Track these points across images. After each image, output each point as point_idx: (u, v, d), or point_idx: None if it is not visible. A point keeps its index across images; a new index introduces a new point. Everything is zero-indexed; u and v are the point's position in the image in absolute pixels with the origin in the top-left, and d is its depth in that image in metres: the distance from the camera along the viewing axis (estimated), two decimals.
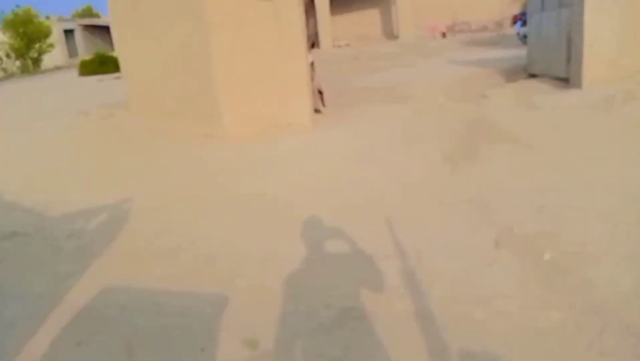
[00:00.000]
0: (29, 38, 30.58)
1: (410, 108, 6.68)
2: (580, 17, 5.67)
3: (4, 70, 30.38)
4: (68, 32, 34.33)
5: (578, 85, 5.89)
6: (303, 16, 6.21)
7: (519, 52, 9.57)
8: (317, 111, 6.85)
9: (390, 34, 24.46)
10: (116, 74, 17.79)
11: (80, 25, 35.70)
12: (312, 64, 6.90)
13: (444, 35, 21.06)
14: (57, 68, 31.09)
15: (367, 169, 4.78)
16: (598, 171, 4.05)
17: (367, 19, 26.12)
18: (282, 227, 3.81)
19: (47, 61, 31.82)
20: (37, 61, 31.55)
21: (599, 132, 4.84)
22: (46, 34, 31.26)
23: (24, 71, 30.76)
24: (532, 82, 6.99)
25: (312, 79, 6.96)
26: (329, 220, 3.81)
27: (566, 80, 6.31)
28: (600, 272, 2.75)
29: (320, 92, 7.17)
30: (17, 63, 31.12)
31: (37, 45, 31.14)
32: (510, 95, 6.49)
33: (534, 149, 4.67)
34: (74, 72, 24.71)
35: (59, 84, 19.95)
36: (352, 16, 26.07)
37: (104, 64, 22.82)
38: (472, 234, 3.37)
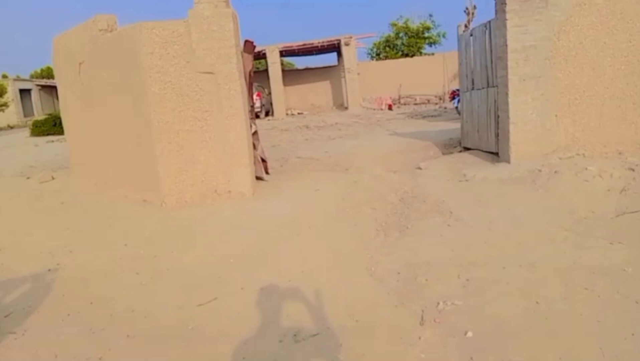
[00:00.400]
0: None
1: (349, 178, 6.78)
2: (505, 97, 6.08)
3: None
4: (24, 92, 33.70)
5: (506, 159, 6.19)
6: (244, 88, 6.34)
7: (457, 125, 10.07)
8: (259, 178, 6.85)
9: (340, 105, 25.36)
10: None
11: (38, 85, 35.19)
12: (255, 133, 6.98)
13: (390, 107, 22.00)
14: (10, 127, 30.22)
15: (302, 240, 4.74)
16: (521, 245, 4.18)
17: (319, 91, 27.12)
18: (205, 304, 3.66)
19: (1, 119, 30.97)
20: None
21: (524, 206, 5.04)
22: (0, 92, 30.64)
23: None
24: (465, 155, 7.31)
25: (255, 147, 7.02)
26: (254, 296, 3.70)
27: (496, 154, 6.64)
28: (521, 352, 2.74)
29: (263, 161, 7.20)
30: None
31: None
32: (443, 167, 6.73)
33: (462, 221, 4.80)
34: (27, 132, 24.03)
35: (7, 143, 19.26)
36: (306, 87, 27.03)
37: (57, 125, 22.32)
38: (397, 311, 3.34)
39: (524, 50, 5.91)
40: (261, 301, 3.62)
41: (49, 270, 4.59)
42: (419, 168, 6.85)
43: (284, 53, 23.16)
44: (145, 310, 3.70)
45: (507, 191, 5.46)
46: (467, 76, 7.63)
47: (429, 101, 24.24)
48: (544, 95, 6.02)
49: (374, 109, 22.18)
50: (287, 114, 22.98)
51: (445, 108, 19.37)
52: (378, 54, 30.40)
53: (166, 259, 4.64)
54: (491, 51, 6.53)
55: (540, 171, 5.71)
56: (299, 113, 23.71)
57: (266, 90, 23.42)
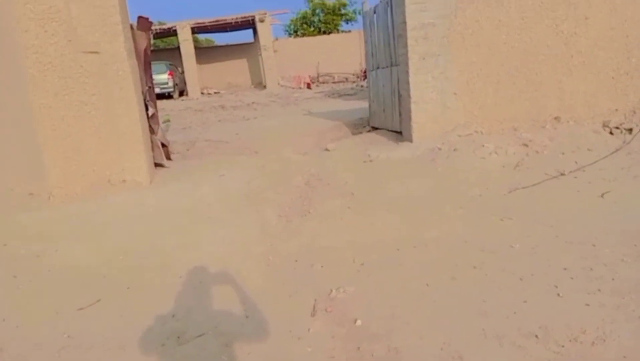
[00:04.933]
0: None
1: (256, 162, 6.58)
2: (406, 75, 6.10)
3: None
4: None
5: (409, 139, 6.25)
6: (136, 68, 5.89)
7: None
8: (159, 165, 6.46)
9: (259, 83, 24.89)
10: None
11: None
12: (153, 115, 6.55)
13: (308, 86, 21.88)
14: None
15: (199, 229, 4.50)
16: (417, 225, 4.20)
17: (237, 69, 26.45)
18: (87, 308, 3.35)
19: None
20: None
21: (423, 186, 5.10)
22: None
23: None
24: (372, 136, 7.32)
25: (154, 132, 6.60)
26: (140, 296, 3.44)
27: (401, 133, 6.69)
28: (407, 337, 2.72)
29: (164, 145, 6.80)
30: None
31: None
32: (350, 148, 6.70)
33: (362, 203, 4.77)
34: None
35: None
36: (222, 66, 26.24)
37: None
38: (290, 300, 3.23)
39: (422, 28, 5.93)
40: (146, 301, 3.37)
41: None
42: (327, 150, 6.77)
43: (196, 30, 22.22)
44: (18, 318, 3.33)
45: (408, 170, 5.50)
46: (372, 55, 7.60)
47: (347, 79, 24.37)
48: (443, 73, 6.10)
49: (293, 88, 21.97)
50: (202, 94, 22.23)
51: (362, 86, 19.54)
52: (295, 31, 30.05)
53: (49, 259, 4.24)
54: (393, 29, 6.50)
55: (440, 149, 5.81)
56: (215, 92, 22.99)
57: (179, 69, 22.42)
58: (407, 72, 6.07)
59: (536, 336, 2.63)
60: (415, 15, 5.88)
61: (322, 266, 3.62)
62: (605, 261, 3.37)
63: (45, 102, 5.40)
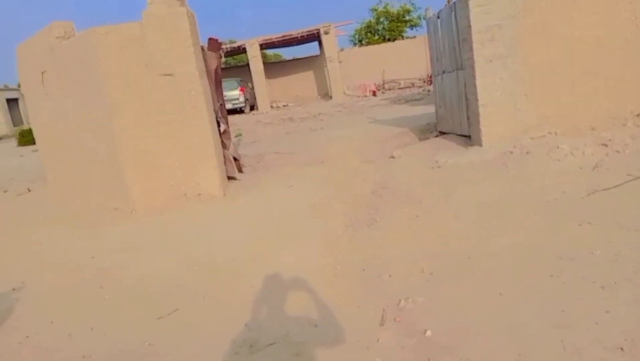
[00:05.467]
0: None
1: (323, 172, 6.67)
2: (473, 79, 5.95)
3: None
4: (12, 101, 33.13)
5: (478, 142, 6.08)
6: (207, 88, 6.19)
7: None
8: (232, 178, 6.72)
9: (325, 94, 25.16)
10: None
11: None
12: (224, 131, 6.84)
13: (374, 93, 21.83)
14: None
15: (270, 240, 4.63)
16: (488, 233, 4.08)
17: (303, 81, 26.94)
18: (166, 316, 3.56)
19: None
20: None
21: (494, 191, 4.94)
22: None
23: None
24: (439, 141, 7.19)
25: (227, 147, 6.88)
26: (214, 305, 3.60)
27: (470, 137, 6.53)
28: (479, 350, 2.65)
29: (235, 160, 7.07)
30: None
31: None
32: (416, 154, 6.62)
33: (430, 211, 4.70)
34: (15, 142, 23.72)
35: None
36: (289, 79, 26.84)
37: None
38: (358, 310, 3.24)
39: (488, 31, 5.77)
40: (221, 310, 3.51)
41: (13, 289, 4.48)
42: (393, 157, 6.73)
43: (264, 46, 22.89)
44: (104, 327, 3.59)
45: (477, 175, 5.35)
46: (437, 60, 7.48)
47: (413, 84, 24.07)
48: (513, 75, 5.89)
49: (358, 97, 22.00)
50: (271, 107, 22.79)
51: (428, 91, 19.21)
52: (360, 41, 30.14)
53: (132, 271, 4.53)
54: (458, 33, 6.38)
55: (511, 152, 5.60)
56: (284, 105, 23.51)
57: (250, 84, 23.18)
58: (473, 75, 5.92)
59: (621, 348, 2.47)
60: (479, 17, 5.74)
61: (390, 276, 3.61)
62: None
63: (125, 124, 5.80)
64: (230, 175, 6.66)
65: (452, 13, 6.46)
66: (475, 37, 5.80)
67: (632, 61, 5.84)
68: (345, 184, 5.94)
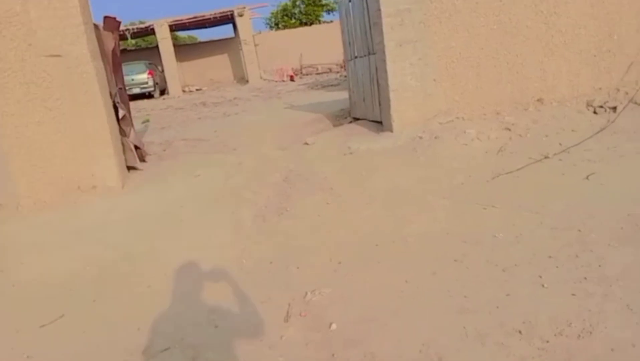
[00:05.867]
0: None
1: (234, 160, 6.37)
2: (383, 64, 5.90)
3: None
4: None
5: (390, 128, 6.08)
6: (101, 70, 5.65)
7: None
8: (133, 168, 6.24)
9: (242, 78, 24.57)
10: None
11: None
12: (124, 118, 6.32)
13: (292, 78, 21.61)
14: None
15: (172, 234, 4.31)
16: (397, 219, 4.04)
17: (219, 65, 26.12)
18: (49, 324, 3.17)
19: None
20: None
21: (405, 176, 4.93)
22: None
23: None
24: (353, 127, 7.14)
25: (126, 134, 6.37)
26: (105, 309, 3.26)
27: (381, 123, 6.52)
28: (384, 341, 2.56)
29: (137, 148, 6.58)
30: None
31: None
32: (330, 141, 6.51)
33: (342, 198, 4.60)
34: None
35: None
36: (204, 62, 25.89)
37: None
38: (263, 306, 3.05)
39: (398, 15, 5.73)
40: (112, 315, 3.18)
41: None
42: (307, 144, 6.57)
43: (174, 27, 21.81)
44: None
45: (389, 161, 5.33)
46: (349, 44, 7.40)
47: (330, 70, 24.10)
48: (422, 59, 5.91)
49: (276, 81, 21.70)
50: (184, 91, 21.90)
51: (345, 77, 19.30)
52: (277, 24, 29.68)
53: (14, 274, 4.04)
54: (369, 17, 6.30)
55: (421, 138, 5.64)
56: (197, 89, 22.68)
57: (160, 67, 22.05)
58: (384, 60, 5.88)
59: (520, 332, 2.48)
60: (389, 1, 5.68)
61: (297, 268, 3.46)
62: (592, 247, 3.23)
63: (7, 110, 5.17)
64: (130, 165, 6.17)
65: None
66: (386, 21, 5.74)
67: (532, 47, 6.07)
68: (257, 172, 5.70)
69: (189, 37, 36.32)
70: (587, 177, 4.41)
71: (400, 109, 5.97)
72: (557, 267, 3.06)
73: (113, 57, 6.61)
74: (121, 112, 6.25)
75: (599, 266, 3.01)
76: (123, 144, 6.16)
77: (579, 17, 6.10)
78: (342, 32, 7.58)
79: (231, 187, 5.28)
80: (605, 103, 6.02)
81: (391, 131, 6.05)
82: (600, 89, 6.25)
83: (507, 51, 6.04)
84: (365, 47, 6.70)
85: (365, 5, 6.35)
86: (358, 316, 2.80)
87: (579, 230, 3.48)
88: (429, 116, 6.00)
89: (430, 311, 2.75)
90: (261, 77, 21.99)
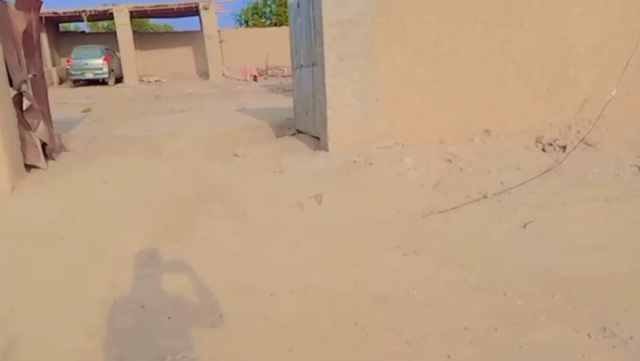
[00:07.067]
0: None
1: (153, 167, 5.72)
2: (323, 78, 5.39)
3: None
4: None
5: (325, 148, 5.57)
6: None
7: None
8: (34, 167, 5.51)
9: (204, 73, 23.69)
10: None
11: None
12: (29, 109, 5.59)
13: (255, 78, 20.93)
14: None
15: (41, 258, 3.64)
16: (304, 262, 3.50)
17: (182, 57, 25.16)
18: None
19: None
20: None
21: (328, 206, 4.41)
22: None
23: None
24: (293, 141, 6.61)
25: (32, 127, 5.64)
26: None
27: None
28: None
29: (45, 144, 5.85)
30: None
31: None
32: (262, 154, 5.95)
33: (251, 227, 4.05)
34: None
35: None
36: (167, 53, 24.89)
37: None
38: None
39: (341, 25, 5.21)
40: None
41: None
42: (236, 155, 5.98)
43: (135, 14, 20.80)
44: None
45: (316, 186, 4.79)
46: (296, 52, 6.86)
47: None
48: (365, 77, 5.42)
49: (238, 80, 20.97)
50: (142, 81, 20.90)
51: None
52: (246, 22, 28.93)
53: None
54: (314, 25, 5.77)
55: (355, 162, 5.14)
56: (156, 81, 21.70)
57: (118, 54, 20.99)
58: (323, 74, 5.36)
59: None
60: (332, 10, 5.16)
61: (169, 318, 2.86)
62: (515, 319, 2.77)
63: None
64: (32, 163, 5.45)
65: (311, 1, 5.83)
66: (327, 31, 5.22)
67: (484, 74, 5.68)
68: (170, 185, 5.07)
69: (165, 25, 35.00)
70: (524, 226, 3.99)
71: (337, 128, 5.46)
72: (471, 343, 2.58)
73: (27, 40, 5.87)
74: (26, 103, 5.52)
75: (520, 346, 2.54)
76: (25, 139, 5.44)
77: (535, 47, 5.74)
78: (290, 37, 7.04)
79: (135, 201, 4.63)
80: (555, 141, 5.67)
81: (327, 150, 5.53)
82: (551, 124, 5.90)
83: (457, 76, 5.62)
84: (310, 56, 6.17)
85: (311, 11, 5.83)
86: None
87: (505, 294, 3.02)
88: (367, 138, 5.50)
89: None
90: (224, 75, 21.22)
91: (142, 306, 3.00)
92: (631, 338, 2.56)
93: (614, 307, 2.83)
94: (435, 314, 2.83)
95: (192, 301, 3.00)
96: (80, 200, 4.69)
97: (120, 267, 3.44)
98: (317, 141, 6.20)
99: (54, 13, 19.67)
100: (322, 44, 5.29)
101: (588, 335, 2.60)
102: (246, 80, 20.95)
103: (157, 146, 6.99)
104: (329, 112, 5.37)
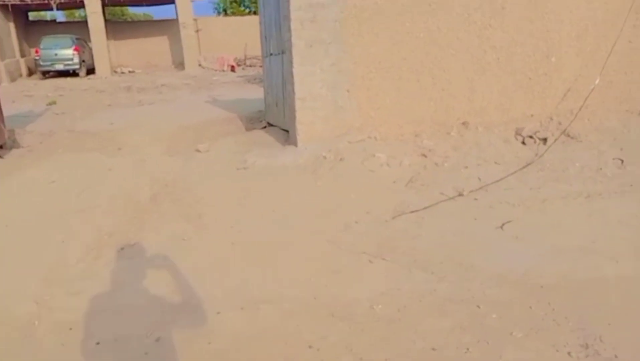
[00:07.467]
0: None
1: (108, 164, 5.33)
2: (291, 66, 5.01)
3: None
4: None
5: (294, 142, 5.21)
6: None
7: None
8: None
9: (180, 63, 23.02)
10: None
11: None
12: None
13: (233, 69, 20.37)
14: None
15: None
16: (260, 272, 3.15)
17: (157, 47, 24.40)
18: None
19: None
20: None
21: (294, 206, 4.06)
22: None
23: None
24: (261, 134, 6.23)
25: None
26: None
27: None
28: None
29: None
30: None
31: None
32: (226, 149, 5.57)
33: (205, 232, 3.67)
34: None
35: None
36: (142, 42, 24.11)
37: None
38: None
39: (310, 9, 4.84)
40: None
41: None
42: (198, 151, 5.59)
43: (107, 2, 20.05)
44: None
45: (282, 184, 4.46)
46: (266, 39, 6.46)
47: None
48: (335, 65, 5.06)
49: (215, 70, 20.38)
50: (115, 72, 20.23)
51: None
52: (225, 10, 28.23)
53: None
54: (282, 9, 5.37)
55: (325, 158, 4.80)
56: (130, 71, 21.01)
57: (89, 44, 20.25)
58: (291, 61, 4.99)
59: None
60: None
61: (97, 343, 2.49)
62: (489, 335, 2.46)
63: None
64: None
65: None
66: (295, 15, 4.84)
67: (462, 62, 5.35)
68: (124, 184, 4.68)
69: (145, 15, 33.97)
70: (501, 226, 3.69)
71: (306, 120, 5.10)
72: None
73: None
74: None
75: None
76: None
77: (515, 33, 5.42)
78: (260, 23, 6.63)
79: (82, 203, 4.25)
80: (535, 133, 5.38)
81: (295, 145, 5.18)
82: (532, 115, 5.61)
83: (433, 64, 5.29)
84: (279, 43, 5.78)
85: None
86: None
87: (478, 306, 2.71)
88: (338, 132, 5.16)
89: None
90: (200, 65, 20.63)
91: (70, 329, 2.63)
92: (615, 356, 2.28)
93: (597, 319, 2.54)
94: (401, 333, 2.51)
95: (126, 323, 2.62)
96: (20, 203, 4.30)
97: (50, 281, 3.05)
98: (287, 134, 5.83)
99: (22, 1, 18.84)
100: (289, 30, 4.91)
101: (569, 353, 2.31)
102: (223, 70, 20.37)
103: (116, 141, 6.59)
104: (297, 103, 5.01)
